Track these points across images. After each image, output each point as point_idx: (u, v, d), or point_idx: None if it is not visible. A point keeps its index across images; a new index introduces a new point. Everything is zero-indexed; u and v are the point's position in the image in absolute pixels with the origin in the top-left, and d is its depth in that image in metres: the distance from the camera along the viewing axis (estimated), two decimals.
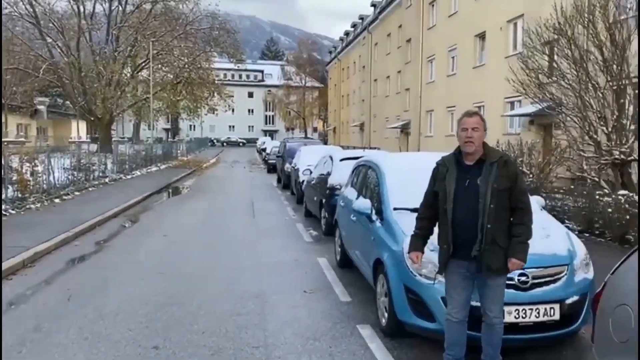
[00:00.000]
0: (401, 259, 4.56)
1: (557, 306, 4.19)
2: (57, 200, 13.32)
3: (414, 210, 5.25)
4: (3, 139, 22.38)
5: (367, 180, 6.58)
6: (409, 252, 3.95)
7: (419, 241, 3.92)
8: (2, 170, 11.36)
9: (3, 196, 11.21)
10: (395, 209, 5.30)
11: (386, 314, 4.84)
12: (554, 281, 4.26)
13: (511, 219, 3.65)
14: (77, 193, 14.96)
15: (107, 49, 34.01)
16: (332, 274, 7.08)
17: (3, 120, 34.97)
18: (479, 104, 24.34)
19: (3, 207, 10.75)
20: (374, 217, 5.56)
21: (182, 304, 5.79)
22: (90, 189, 16.41)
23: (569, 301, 4.23)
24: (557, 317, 4.19)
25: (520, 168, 10.10)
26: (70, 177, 15.66)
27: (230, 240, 9.53)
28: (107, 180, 19.31)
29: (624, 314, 2.46)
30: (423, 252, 3.90)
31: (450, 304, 3.81)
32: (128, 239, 9.87)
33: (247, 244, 9.16)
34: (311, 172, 12.32)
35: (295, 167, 15.81)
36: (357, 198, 6.58)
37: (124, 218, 12.22)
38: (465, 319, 3.77)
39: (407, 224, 4.94)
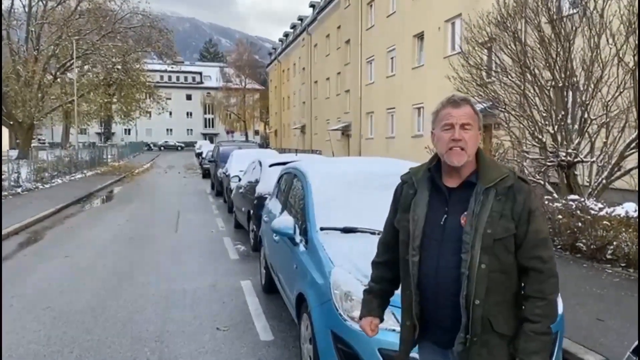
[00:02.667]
0: (328, 297, 3.55)
1: None
2: None
3: (345, 230, 4.31)
4: None
5: (293, 191, 5.53)
6: (359, 318, 2.41)
7: (372, 300, 2.39)
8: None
9: None
10: (322, 228, 4.29)
11: None
12: None
13: (522, 287, 2.07)
14: None
15: (24, 47, 31.51)
16: (255, 302, 6.00)
17: None
18: (419, 105, 23.92)
19: None
20: (298, 238, 4.51)
21: (58, 354, 4.57)
22: None
23: None
24: None
25: None
26: None
27: (142, 262, 8.21)
28: (19, 190, 17.46)
29: None
30: (381, 319, 2.39)
31: None
32: (20, 262, 8.39)
33: (160, 266, 7.89)
34: (240, 179, 11.14)
35: (227, 173, 14.59)
36: (281, 213, 5.55)
37: (25, 235, 10.69)
38: None
39: (336, 249, 3.96)
